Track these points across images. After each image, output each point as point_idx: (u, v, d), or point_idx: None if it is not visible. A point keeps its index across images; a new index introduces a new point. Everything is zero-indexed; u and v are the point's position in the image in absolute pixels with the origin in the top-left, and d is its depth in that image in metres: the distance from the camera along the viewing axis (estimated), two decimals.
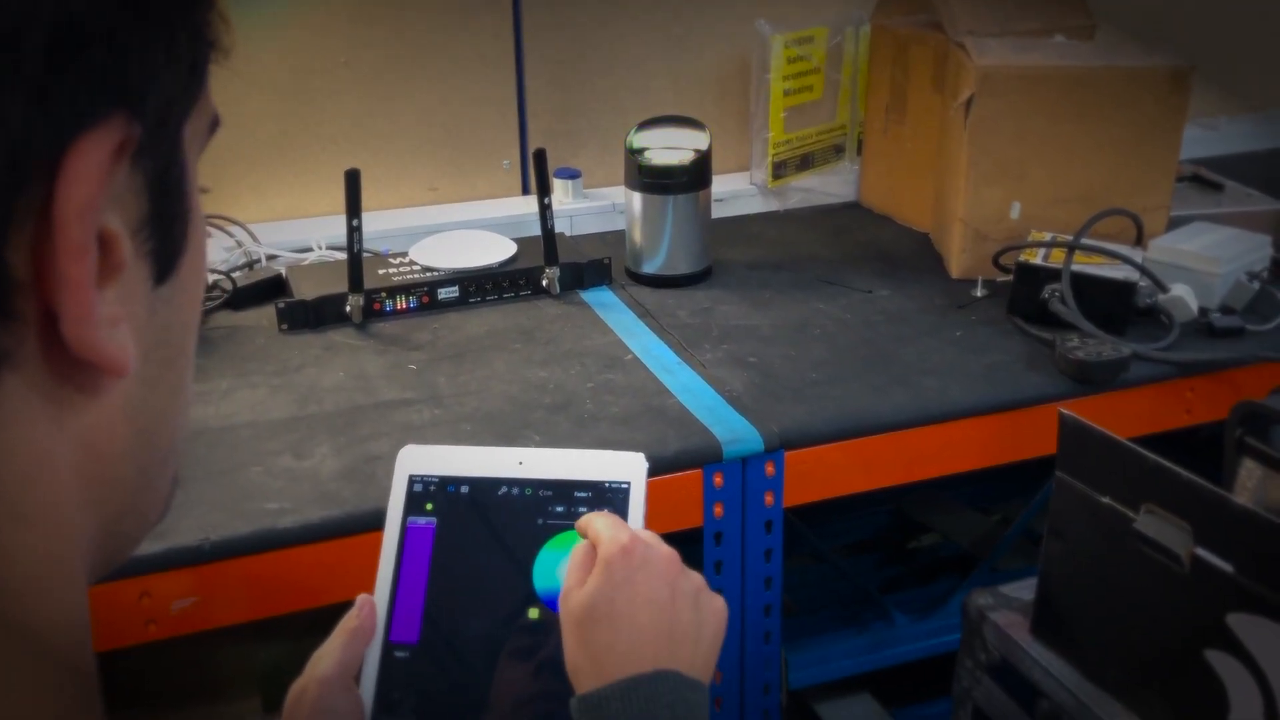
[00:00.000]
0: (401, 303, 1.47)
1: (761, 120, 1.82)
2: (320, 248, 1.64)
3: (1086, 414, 1.04)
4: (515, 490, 0.75)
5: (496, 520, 0.75)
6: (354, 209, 1.37)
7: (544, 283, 1.53)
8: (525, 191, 1.85)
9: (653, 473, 1.12)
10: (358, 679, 0.71)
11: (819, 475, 1.23)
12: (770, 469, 1.20)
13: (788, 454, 1.20)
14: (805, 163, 1.91)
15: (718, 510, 1.19)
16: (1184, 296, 1.41)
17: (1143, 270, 1.42)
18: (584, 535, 0.71)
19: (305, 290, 1.45)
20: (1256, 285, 1.47)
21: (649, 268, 1.58)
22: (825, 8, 1.86)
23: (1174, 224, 1.58)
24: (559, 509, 0.75)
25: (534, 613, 0.72)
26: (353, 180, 1.36)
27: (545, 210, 1.48)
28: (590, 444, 1.16)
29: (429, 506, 0.75)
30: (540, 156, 1.46)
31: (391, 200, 1.79)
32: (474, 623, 0.73)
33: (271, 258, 1.61)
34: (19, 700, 0.35)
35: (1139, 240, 1.53)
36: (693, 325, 1.45)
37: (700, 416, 1.21)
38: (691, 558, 1.23)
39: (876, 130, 1.86)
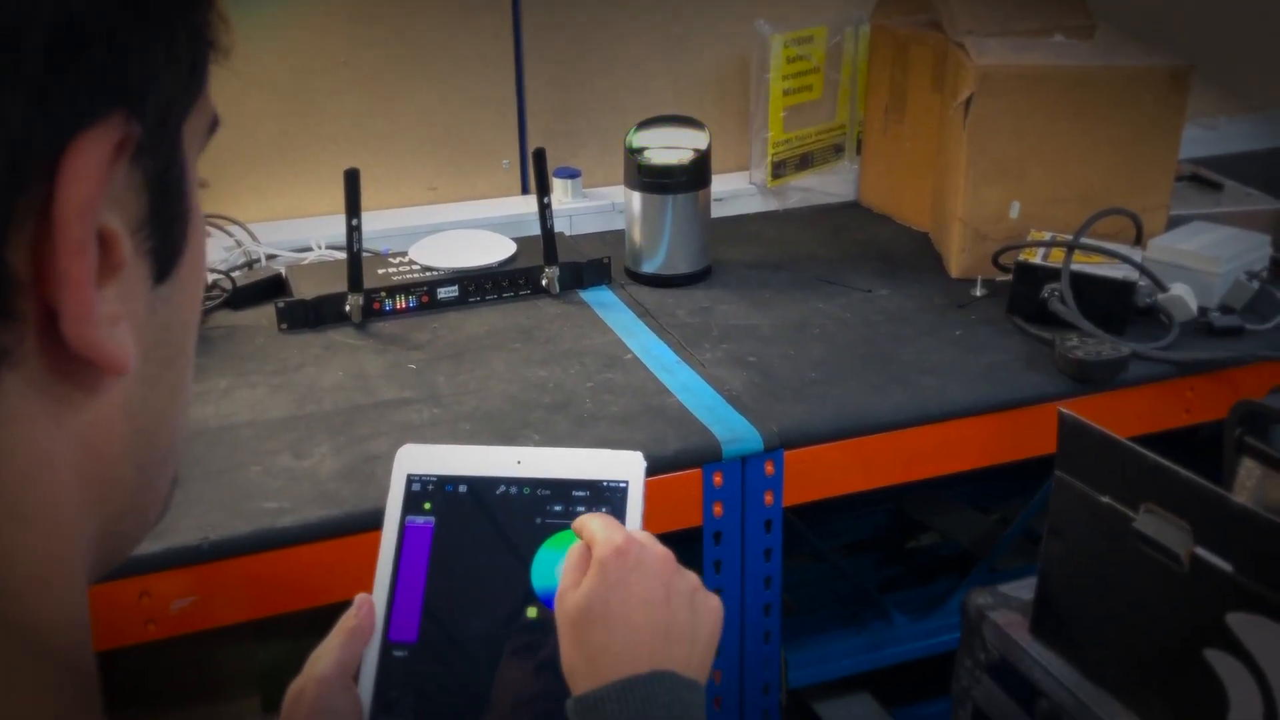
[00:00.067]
0: (401, 302, 1.47)
1: (761, 120, 1.82)
2: (320, 247, 1.64)
3: (1086, 413, 1.04)
4: (513, 489, 0.75)
5: (495, 519, 0.75)
6: (353, 208, 1.37)
7: (543, 282, 1.53)
8: (525, 191, 1.85)
9: (652, 472, 1.12)
10: (356, 678, 0.71)
11: (818, 474, 1.23)
12: (770, 468, 1.20)
13: (787, 453, 1.20)
14: (805, 162, 1.91)
15: (717, 509, 1.19)
16: (1183, 296, 1.42)
17: (1142, 270, 1.42)
18: (580, 536, 0.71)
19: (305, 290, 1.45)
20: (1256, 285, 1.47)
21: (648, 267, 1.58)
22: (825, 7, 1.86)
23: (1173, 223, 1.58)
24: (557, 508, 0.75)
25: (532, 612, 0.72)
26: (352, 180, 1.36)
27: (545, 210, 1.48)
28: (590, 443, 1.16)
29: (427, 506, 0.75)
30: (540, 156, 1.46)
31: (391, 200, 1.79)
32: (472, 622, 0.73)
33: (271, 257, 1.61)
34: (19, 700, 0.35)
35: (1138, 240, 1.53)
36: (692, 325, 1.45)
37: (700, 416, 1.21)
38: (691, 557, 1.24)
39: (876, 130, 1.86)
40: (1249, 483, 1.10)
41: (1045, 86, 1.50)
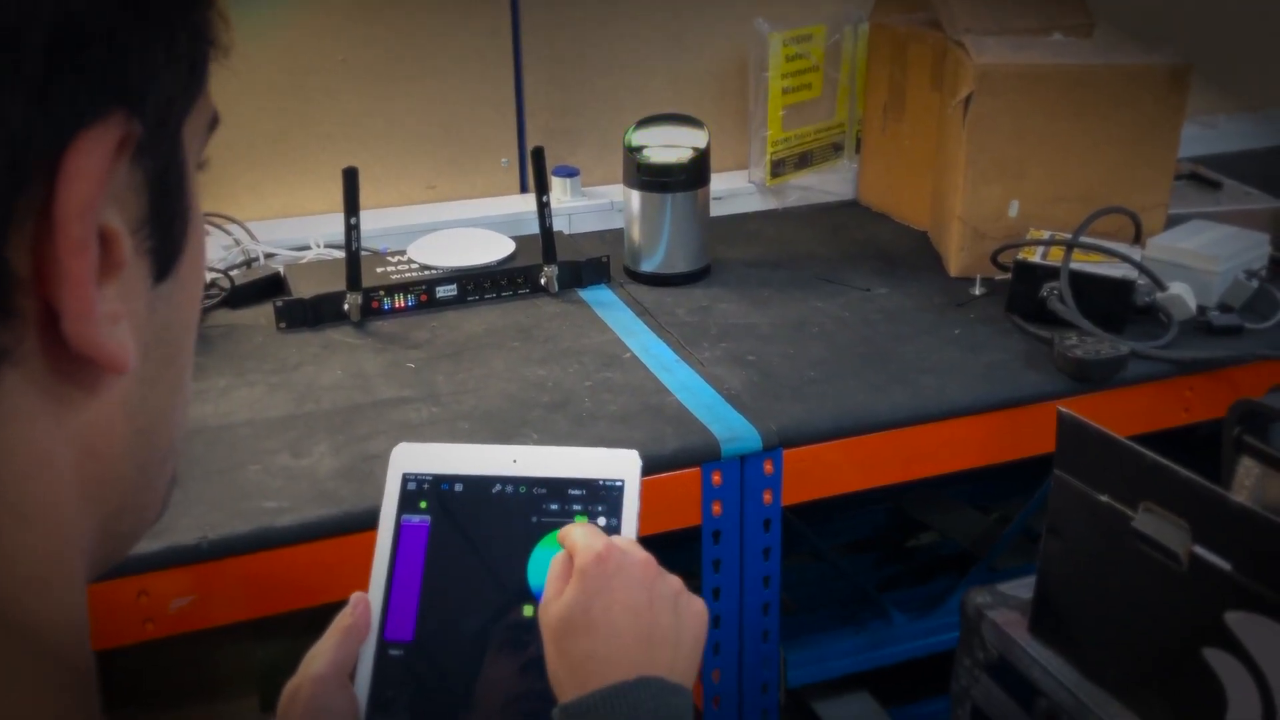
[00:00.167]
0: (399, 301, 1.47)
1: (760, 118, 1.82)
2: (318, 246, 1.64)
3: (1085, 412, 1.04)
4: (509, 488, 0.75)
5: (490, 518, 0.75)
6: (352, 207, 1.37)
7: (542, 281, 1.53)
8: (523, 190, 1.85)
9: (651, 471, 1.13)
10: (352, 677, 0.71)
11: (817, 473, 1.23)
12: (769, 467, 1.20)
13: (786, 452, 1.20)
14: (804, 161, 1.91)
15: (716, 508, 1.19)
16: (1182, 295, 1.42)
17: (1141, 268, 1.42)
18: (562, 545, 0.71)
19: (303, 288, 1.45)
20: (1255, 283, 1.47)
21: (647, 266, 1.58)
22: (824, 6, 1.85)
23: (1172, 222, 1.58)
24: (553, 507, 0.75)
25: (528, 610, 0.72)
26: (351, 178, 1.36)
27: (543, 208, 1.48)
28: (589, 442, 1.16)
29: (423, 505, 0.75)
30: (538, 154, 1.46)
31: (390, 198, 1.79)
32: (468, 620, 0.73)
33: (269, 256, 1.61)
34: (18, 700, 0.35)
35: (1137, 238, 1.53)
36: (691, 323, 1.45)
37: (699, 415, 1.21)
38: (690, 556, 1.24)
39: (875, 128, 1.86)
40: (1248, 482, 1.11)
41: (1044, 85, 1.50)
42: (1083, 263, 1.42)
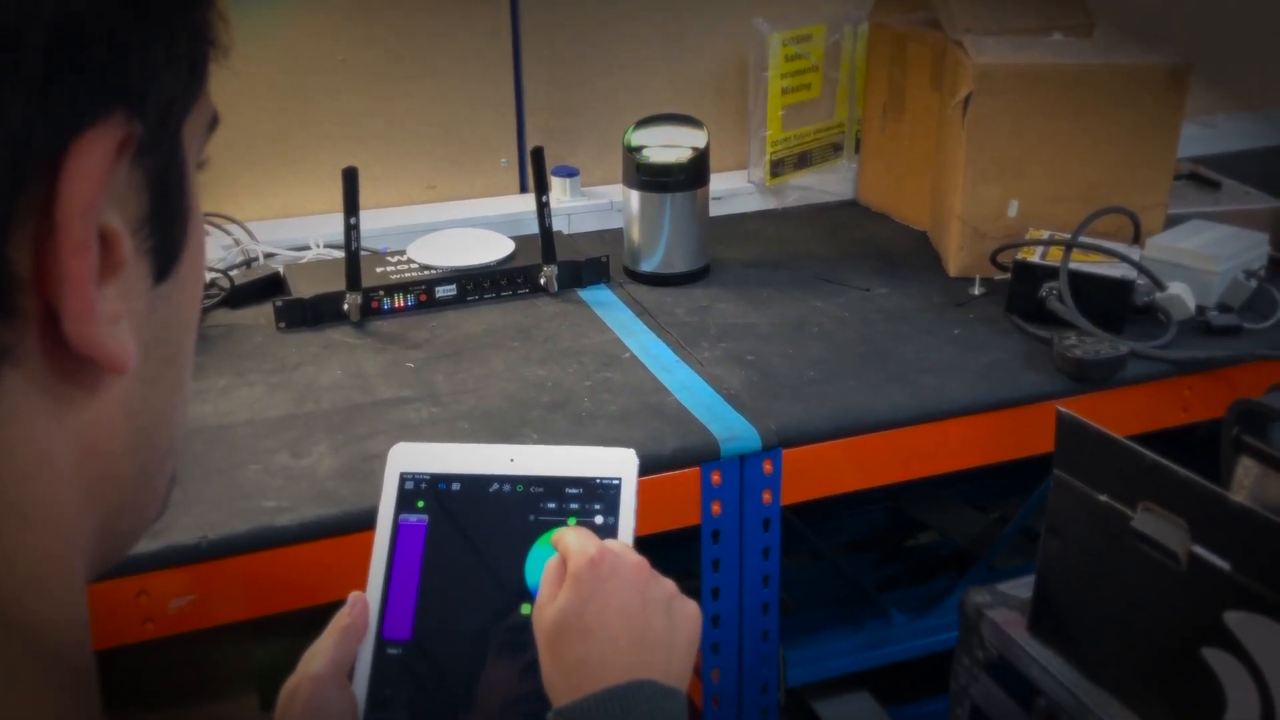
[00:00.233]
0: (399, 301, 1.47)
1: (759, 118, 1.82)
2: (318, 246, 1.64)
3: (1084, 412, 1.04)
4: (506, 487, 0.76)
5: (488, 517, 0.75)
6: (351, 207, 1.37)
7: (542, 281, 1.53)
8: (523, 189, 1.85)
9: (651, 470, 1.13)
10: (351, 676, 0.71)
11: (817, 473, 1.23)
12: (768, 467, 1.20)
13: (785, 452, 1.20)
14: (803, 161, 1.91)
15: (715, 508, 1.19)
16: (1181, 295, 1.42)
17: (1140, 268, 1.42)
18: (555, 549, 0.71)
19: (303, 288, 1.45)
20: (1254, 283, 1.47)
21: (647, 266, 1.58)
22: (823, 6, 1.86)
23: (1171, 222, 1.58)
24: (550, 505, 0.75)
25: (526, 609, 0.72)
26: (350, 178, 1.36)
27: (543, 208, 1.48)
28: (588, 442, 1.16)
29: (420, 504, 0.75)
30: (538, 154, 1.46)
31: (389, 198, 1.79)
32: (466, 619, 0.73)
33: (269, 256, 1.61)
34: (18, 700, 0.35)
35: (1136, 238, 1.53)
36: (691, 323, 1.45)
37: (698, 414, 1.21)
38: (689, 555, 1.24)
39: (874, 128, 1.86)
40: (1247, 481, 1.11)
41: (1044, 85, 1.50)
42: (1082, 262, 1.42)
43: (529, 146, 1.70)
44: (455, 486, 0.76)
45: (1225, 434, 1.13)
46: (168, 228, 0.38)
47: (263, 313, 1.46)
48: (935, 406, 1.26)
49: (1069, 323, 1.37)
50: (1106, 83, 1.52)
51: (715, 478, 1.18)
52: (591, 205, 1.81)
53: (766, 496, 1.21)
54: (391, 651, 0.72)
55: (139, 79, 0.34)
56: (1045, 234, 1.50)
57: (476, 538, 0.75)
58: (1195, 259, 1.46)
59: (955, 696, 1.22)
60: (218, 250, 1.59)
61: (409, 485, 0.76)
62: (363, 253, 1.43)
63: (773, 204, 1.90)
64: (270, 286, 1.51)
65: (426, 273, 1.50)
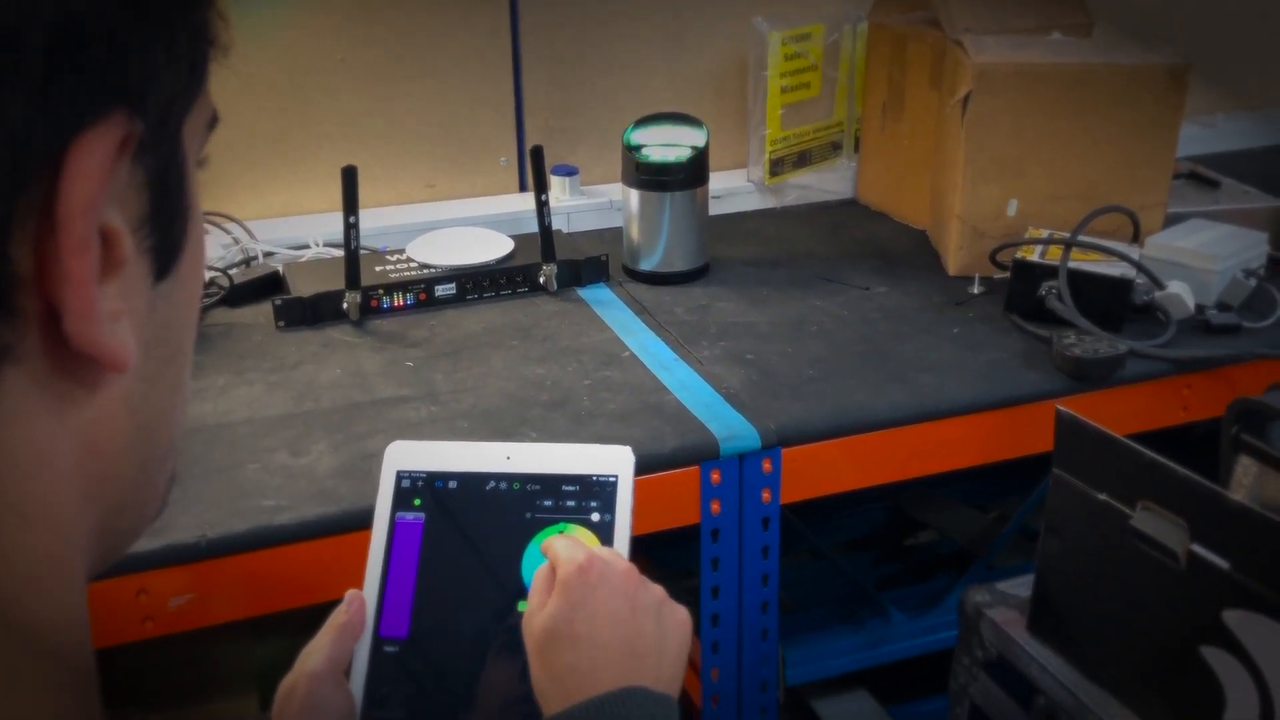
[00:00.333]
0: (399, 300, 1.47)
1: (759, 117, 1.82)
2: (317, 245, 1.64)
3: (1083, 411, 1.04)
4: (503, 485, 0.76)
5: (484, 515, 0.75)
6: (351, 206, 1.37)
7: (541, 280, 1.53)
8: (522, 188, 1.85)
9: (650, 469, 1.13)
10: (348, 674, 0.71)
11: (816, 472, 1.23)
12: (767, 466, 1.20)
13: (785, 451, 1.20)
14: (803, 160, 1.91)
15: (715, 507, 1.20)
16: (1180, 294, 1.42)
17: (1139, 267, 1.42)
18: (545, 556, 0.71)
19: (302, 287, 1.45)
20: (1253, 282, 1.47)
21: (646, 265, 1.58)
22: (823, 5, 1.86)
23: (1171, 221, 1.58)
24: (547, 503, 0.75)
25: (523, 606, 0.72)
26: (350, 177, 1.36)
27: (542, 207, 1.48)
28: (587, 441, 1.16)
29: (417, 502, 0.76)
30: (537, 153, 1.46)
31: (389, 197, 1.79)
32: (463, 617, 0.73)
33: (268, 255, 1.61)
34: (18, 700, 0.35)
35: (1136, 237, 1.54)
36: (690, 322, 1.45)
37: (697, 413, 1.21)
38: (688, 554, 1.24)
39: (874, 127, 1.86)
40: (1246, 480, 1.11)
41: (1043, 84, 1.50)
42: (1081, 261, 1.42)
43: (528, 145, 1.70)
44: (452, 484, 0.76)
45: (1224, 433, 1.13)
46: (168, 226, 0.38)
47: (262, 311, 1.46)
48: (934, 405, 1.26)
49: (1068, 322, 1.37)
50: (1106, 82, 1.52)
51: (714, 477, 1.18)
52: (591, 204, 1.81)
53: (766, 495, 1.21)
54: (388, 649, 0.72)
55: (139, 78, 0.34)
56: (1044, 233, 1.50)
57: (473, 536, 0.75)
58: (1194, 258, 1.46)
59: (954, 695, 1.22)
60: (217, 249, 1.59)
61: (405, 483, 0.76)
62: (362, 251, 1.43)
63: (772, 203, 1.90)
64: (269, 285, 1.51)
65: (426, 271, 1.49)
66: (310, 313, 1.43)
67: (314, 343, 1.39)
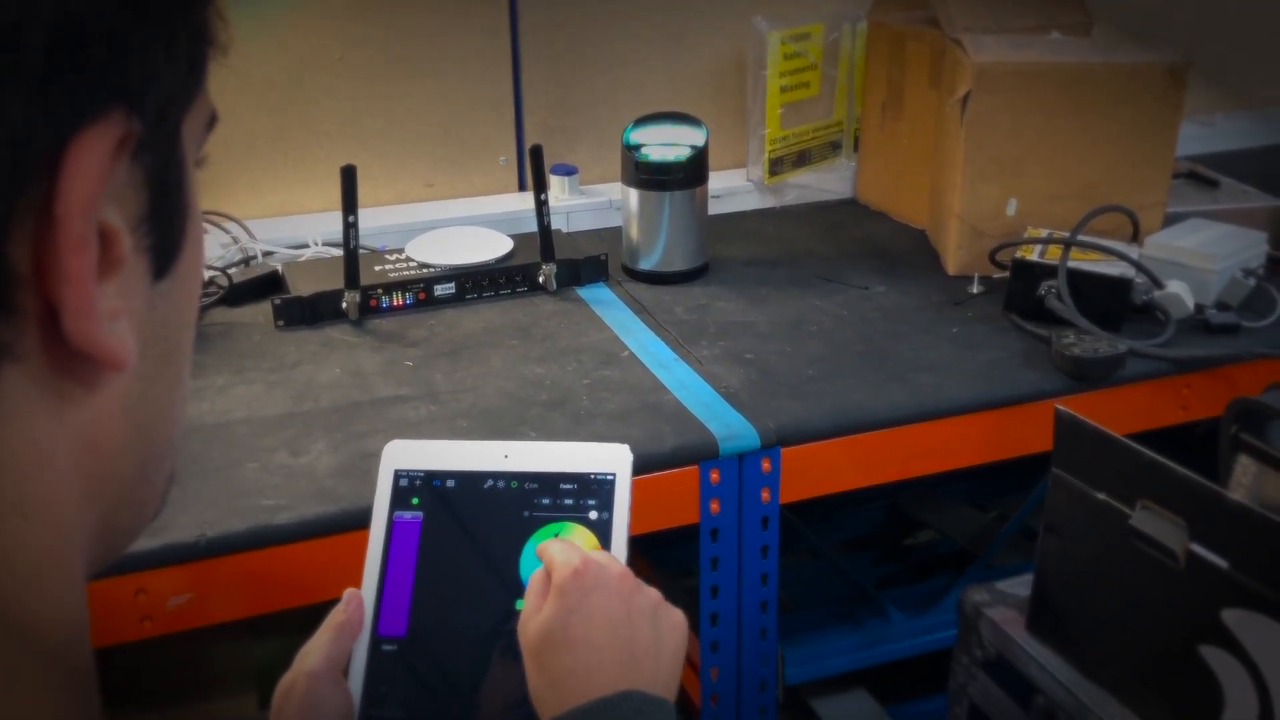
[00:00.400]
0: (398, 299, 1.47)
1: (758, 117, 1.82)
2: (316, 244, 1.64)
3: (1082, 410, 1.04)
4: (501, 483, 0.76)
5: (482, 513, 0.75)
6: (350, 205, 1.37)
7: (540, 279, 1.53)
8: (522, 188, 1.85)
9: (649, 469, 1.13)
10: (346, 673, 0.71)
11: (815, 472, 1.23)
12: (766, 465, 1.20)
13: (784, 450, 1.20)
14: (802, 159, 1.91)
15: (714, 506, 1.20)
16: (1180, 293, 1.42)
17: (1139, 267, 1.42)
18: (540, 561, 0.71)
19: (301, 286, 1.45)
20: (1252, 282, 1.47)
21: (646, 264, 1.58)
22: (822, 4, 1.85)
23: (1170, 220, 1.58)
24: (545, 501, 0.75)
25: (520, 605, 0.72)
26: (349, 176, 1.36)
27: (542, 206, 1.48)
28: (586, 440, 1.16)
29: (415, 501, 0.76)
30: (536, 153, 1.46)
31: (388, 196, 1.79)
32: (461, 615, 0.73)
33: (267, 254, 1.61)
34: (18, 700, 0.35)
35: (1135, 237, 1.54)
36: (689, 322, 1.45)
37: (697, 413, 1.21)
38: (688, 554, 1.24)
39: (873, 127, 1.86)
40: (1245, 480, 1.11)
41: (1042, 83, 1.50)
42: (1080, 261, 1.42)
43: (528, 145, 1.70)
44: (450, 483, 0.76)
45: (1223, 432, 1.13)
46: (167, 225, 0.38)
47: (261, 311, 1.46)
48: (934, 405, 1.26)
49: (1067, 321, 1.37)
50: (1105, 81, 1.52)
51: (714, 476, 1.18)
52: (590, 203, 1.81)
53: (765, 495, 1.21)
54: (386, 648, 0.72)
55: (139, 78, 0.34)
56: (1044, 232, 1.50)
57: (471, 534, 0.75)
58: (1194, 257, 1.46)
59: (953, 695, 1.22)
60: (216, 248, 1.59)
61: (403, 482, 0.76)
62: (361, 251, 1.43)
63: (771, 202, 1.90)
64: (269, 284, 1.51)
65: (425, 271, 1.49)
66: (309, 312, 1.43)
67: (313, 342, 1.39)
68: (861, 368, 1.33)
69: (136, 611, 1.00)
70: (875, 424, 1.24)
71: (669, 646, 0.68)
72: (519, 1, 1.76)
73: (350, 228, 1.38)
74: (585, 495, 0.75)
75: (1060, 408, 1.06)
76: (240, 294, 1.49)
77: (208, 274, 1.48)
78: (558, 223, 1.63)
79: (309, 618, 0.75)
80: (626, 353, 1.36)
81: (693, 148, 1.54)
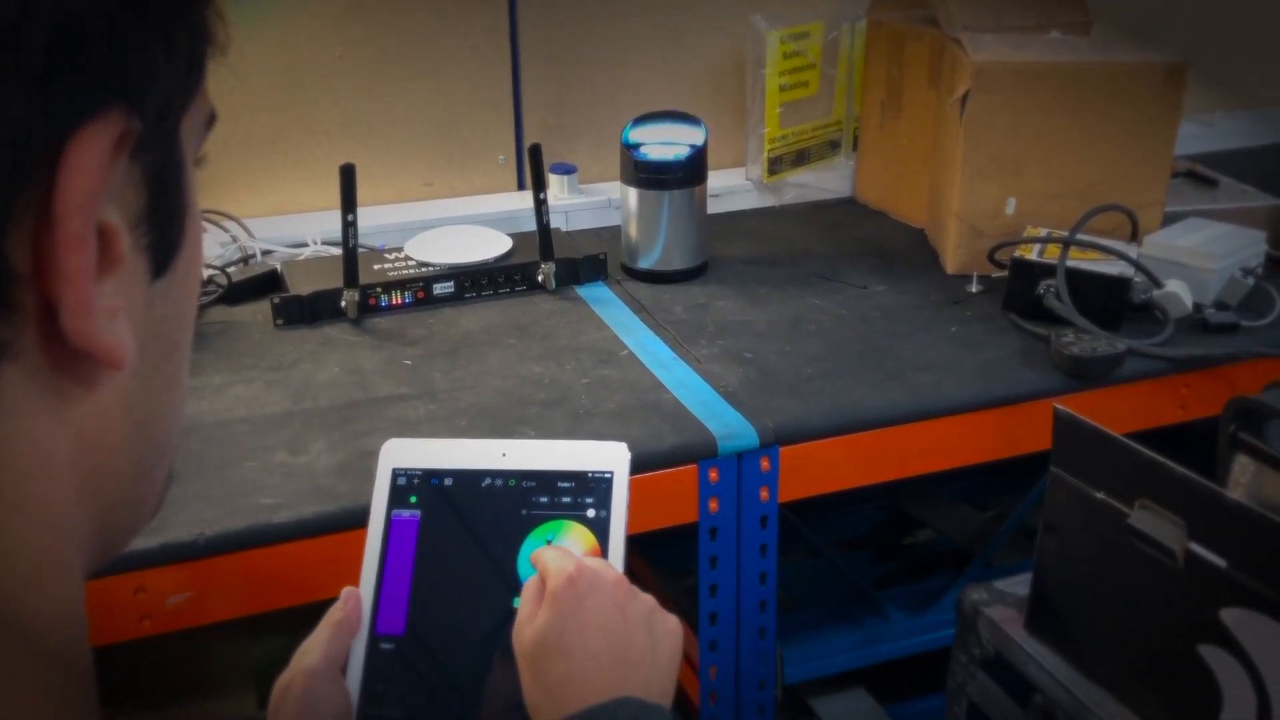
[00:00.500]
0: (397, 298, 1.47)
1: (757, 116, 1.82)
2: (315, 243, 1.64)
3: (1081, 409, 1.04)
4: (499, 481, 0.76)
5: (480, 512, 0.75)
6: (349, 204, 1.37)
7: (539, 278, 1.53)
8: (521, 187, 1.85)
9: (648, 468, 1.13)
10: (344, 671, 0.71)
11: (814, 471, 1.23)
12: (765, 464, 1.20)
13: (783, 449, 1.20)
14: (801, 158, 1.91)
15: (713, 505, 1.20)
16: (1178, 292, 1.42)
17: (1137, 266, 1.42)
18: (534, 568, 0.71)
19: (300, 285, 1.45)
20: (1251, 281, 1.47)
21: (645, 263, 1.58)
22: (821, 3, 1.85)
23: (1169, 220, 1.58)
24: (543, 499, 0.75)
25: (518, 603, 0.72)
26: (348, 175, 1.36)
27: (541, 205, 1.48)
28: (585, 439, 1.16)
29: (413, 499, 0.76)
30: (536, 152, 1.46)
31: (387, 195, 1.79)
32: (459, 614, 0.73)
33: (266, 253, 1.61)
34: (16, 699, 0.35)
35: (1134, 236, 1.54)
36: (688, 321, 1.45)
37: (695, 412, 1.21)
38: (687, 553, 1.24)
39: (872, 126, 1.86)
40: (1243, 479, 1.11)
41: (1041, 82, 1.50)
42: (1079, 260, 1.42)
43: (527, 144, 1.70)
44: (447, 481, 0.76)
45: (1222, 431, 1.13)
46: (165, 224, 0.38)
47: (260, 309, 1.46)
48: (933, 404, 1.26)
49: (1066, 320, 1.37)
50: (1104, 80, 1.52)
51: (713, 475, 1.18)
52: (589, 202, 1.81)
53: (764, 494, 1.21)
54: (385, 646, 0.72)
55: (138, 77, 0.34)
56: (1043, 231, 1.50)
57: (469, 532, 0.75)
58: (1192, 256, 1.46)
59: (952, 694, 1.23)
60: (215, 247, 1.59)
61: (401, 481, 0.76)
62: (360, 250, 1.43)
63: (770, 201, 1.90)
64: (268, 283, 1.51)
65: (424, 270, 1.49)
66: (308, 311, 1.43)
67: (312, 341, 1.39)
68: (860, 367, 1.33)
69: (135, 610, 1.00)
70: (874, 423, 1.24)
71: (664, 652, 0.68)
72: (518, 1, 1.76)
73: (349, 227, 1.38)
74: (583, 493, 0.75)
75: (1059, 407, 1.06)
76: (239, 293, 1.49)
77: (206, 272, 1.48)
78: (557, 222, 1.63)
79: (307, 616, 0.75)
80: (625, 352, 1.36)
81: (692, 147, 1.54)
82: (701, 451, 1.17)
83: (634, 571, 0.71)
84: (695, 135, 1.56)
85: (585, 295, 1.53)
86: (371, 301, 1.46)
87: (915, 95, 1.73)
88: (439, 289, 1.49)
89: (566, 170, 1.81)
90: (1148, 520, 0.97)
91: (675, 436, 1.17)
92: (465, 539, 0.75)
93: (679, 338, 1.40)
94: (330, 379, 1.30)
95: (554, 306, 1.49)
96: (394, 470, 0.76)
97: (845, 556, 1.73)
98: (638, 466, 0.77)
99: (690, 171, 1.54)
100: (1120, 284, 1.41)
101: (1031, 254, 1.45)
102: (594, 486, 0.75)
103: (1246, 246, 1.51)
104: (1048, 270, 1.42)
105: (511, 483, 0.76)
